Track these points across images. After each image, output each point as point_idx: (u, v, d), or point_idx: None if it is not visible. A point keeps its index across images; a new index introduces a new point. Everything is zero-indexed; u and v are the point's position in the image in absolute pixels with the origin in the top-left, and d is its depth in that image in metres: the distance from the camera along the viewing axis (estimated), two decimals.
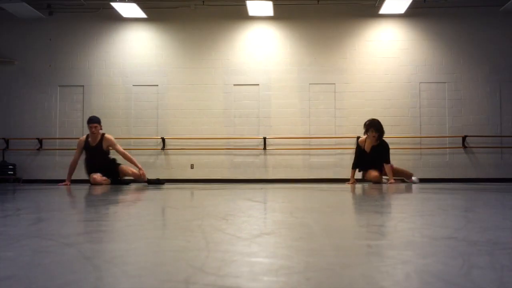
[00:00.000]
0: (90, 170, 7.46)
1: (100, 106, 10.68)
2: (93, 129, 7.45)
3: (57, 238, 1.55)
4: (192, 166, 10.59)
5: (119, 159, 7.70)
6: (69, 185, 7.33)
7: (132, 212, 2.78)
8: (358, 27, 10.65)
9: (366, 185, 7.17)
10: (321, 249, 1.31)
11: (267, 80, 10.64)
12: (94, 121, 7.49)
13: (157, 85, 10.72)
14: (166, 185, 7.12)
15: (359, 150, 7.88)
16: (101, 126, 7.57)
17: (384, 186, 6.59)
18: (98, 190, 5.53)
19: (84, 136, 7.66)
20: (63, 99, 10.86)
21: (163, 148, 10.59)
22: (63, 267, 1.09)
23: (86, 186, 6.78)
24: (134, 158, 7.61)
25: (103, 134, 7.58)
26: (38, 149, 10.77)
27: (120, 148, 7.64)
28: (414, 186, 6.75)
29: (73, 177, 10.52)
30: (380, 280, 0.94)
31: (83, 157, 7.62)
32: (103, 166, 7.45)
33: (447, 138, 10.41)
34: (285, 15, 10.63)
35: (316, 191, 4.97)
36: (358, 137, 8.02)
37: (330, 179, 10.27)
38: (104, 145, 7.51)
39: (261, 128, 10.57)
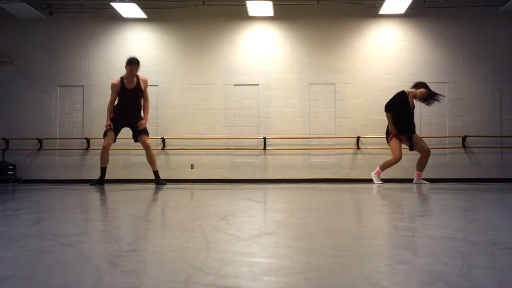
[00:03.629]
0: (119, 114, 7.26)
1: (100, 106, 10.67)
2: (134, 70, 7.22)
3: (57, 238, 1.55)
4: (192, 166, 10.58)
5: None
6: (111, 125, 7.22)
7: (132, 212, 2.78)
8: (358, 27, 10.65)
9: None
10: (321, 249, 1.31)
11: (267, 80, 10.63)
12: (137, 63, 7.27)
13: (157, 85, 10.72)
14: (166, 185, 7.11)
15: (404, 98, 7.42)
16: (139, 67, 7.38)
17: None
18: (98, 190, 5.54)
19: (118, 79, 7.37)
20: (63, 99, 10.85)
21: (163, 148, 10.59)
22: (63, 267, 1.09)
23: (86, 187, 6.78)
24: (149, 108, 7.43)
25: (137, 76, 7.36)
26: (38, 149, 10.77)
27: (148, 93, 7.46)
28: (415, 186, 6.75)
29: (73, 177, 10.55)
30: (380, 280, 0.94)
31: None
32: (136, 109, 7.29)
33: (447, 138, 10.41)
34: (285, 15, 10.63)
35: (316, 191, 4.97)
36: (404, 91, 7.52)
37: (330, 179, 10.27)
38: (142, 85, 7.33)
39: (261, 128, 10.57)
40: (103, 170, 7.34)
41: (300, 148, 10.50)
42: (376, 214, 2.57)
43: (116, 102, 7.36)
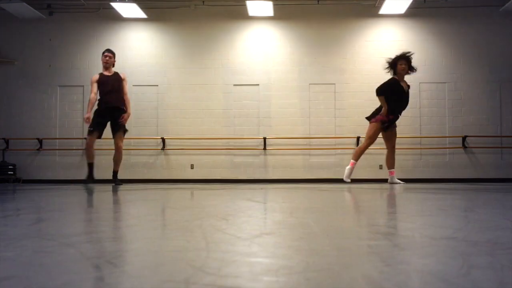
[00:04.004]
0: (104, 101, 7.25)
1: None
2: (107, 58, 7.34)
3: (57, 238, 1.55)
4: (192, 166, 10.59)
5: None
6: (89, 118, 7.20)
7: (132, 212, 2.78)
8: (358, 27, 10.65)
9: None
10: (321, 249, 1.31)
11: (267, 80, 10.64)
12: (109, 51, 7.44)
13: (157, 85, 10.73)
14: (166, 185, 7.11)
15: (396, 84, 7.25)
16: (115, 60, 7.49)
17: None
18: (98, 190, 5.54)
19: (97, 74, 7.49)
20: (63, 99, 10.86)
21: (163, 148, 10.59)
22: (63, 267, 1.09)
23: (85, 187, 6.77)
24: (129, 101, 7.49)
25: (115, 71, 7.48)
26: (38, 149, 10.77)
27: (127, 88, 7.50)
28: (413, 186, 6.75)
29: (73, 177, 10.54)
30: (380, 280, 0.94)
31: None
32: (119, 93, 7.27)
33: (447, 138, 10.41)
34: (285, 15, 10.63)
35: (316, 191, 4.97)
36: (393, 78, 7.34)
37: (330, 179, 10.27)
38: (121, 76, 7.43)
39: (261, 128, 10.57)
40: (91, 165, 7.36)
41: (300, 148, 10.49)
42: (376, 214, 2.57)
43: (98, 96, 7.36)
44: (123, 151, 7.67)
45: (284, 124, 10.56)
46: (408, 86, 7.40)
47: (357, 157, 7.53)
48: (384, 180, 8.08)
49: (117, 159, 7.46)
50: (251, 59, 10.70)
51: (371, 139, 7.40)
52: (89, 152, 7.33)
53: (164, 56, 10.80)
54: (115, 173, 7.48)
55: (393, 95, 7.25)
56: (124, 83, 7.45)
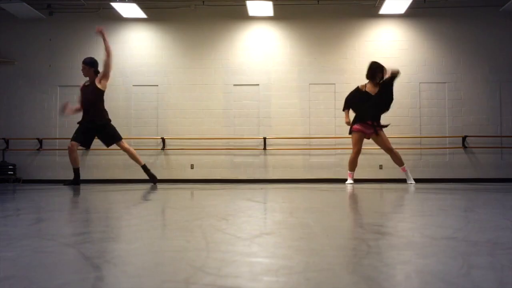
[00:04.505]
0: (84, 115, 7.24)
1: None
2: (81, 70, 7.26)
3: (57, 238, 1.55)
4: (192, 166, 10.59)
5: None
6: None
7: (132, 212, 2.78)
8: (358, 27, 10.64)
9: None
10: (321, 249, 1.31)
11: (267, 80, 10.63)
12: (84, 62, 7.26)
13: (157, 85, 10.72)
14: (167, 185, 7.10)
15: (358, 93, 7.62)
16: (93, 69, 7.20)
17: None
18: (98, 190, 5.53)
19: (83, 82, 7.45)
20: (63, 99, 10.83)
21: (163, 148, 10.59)
22: (63, 267, 1.09)
23: (86, 187, 6.78)
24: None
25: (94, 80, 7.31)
26: (38, 149, 10.77)
27: (106, 64, 7.19)
28: (412, 186, 6.75)
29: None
30: (380, 281, 0.94)
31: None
32: (92, 106, 7.15)
33: (447, 138, 10.41)
34: (285, 15, 10.63)
35: (316, 191, 4.97)
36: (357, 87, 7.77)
37: (330, 179, 10.27)
38: (96, 82, 7.16)
39: (261, 128, 10.57)
40: (76, 170, 7.27)
41: (300, 148, 10.49)
42: (375, 214, 2.57)
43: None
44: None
45: (284, 124, 10.56)
46: (379, 91, 7.54)
47: (351, 167, 7.81)
48: (384, 180, 8.09)
49: (133, 158, 7.48)
50: (251, 59, 10.70)
51: (355, 147, 7.65)
52: (72, 156, 7.19)
53: (164, 56, 10.80)
54: (143, 168, 7.49)
55: (360, 102, 7.52)
56: (102, 74, 7.17)
